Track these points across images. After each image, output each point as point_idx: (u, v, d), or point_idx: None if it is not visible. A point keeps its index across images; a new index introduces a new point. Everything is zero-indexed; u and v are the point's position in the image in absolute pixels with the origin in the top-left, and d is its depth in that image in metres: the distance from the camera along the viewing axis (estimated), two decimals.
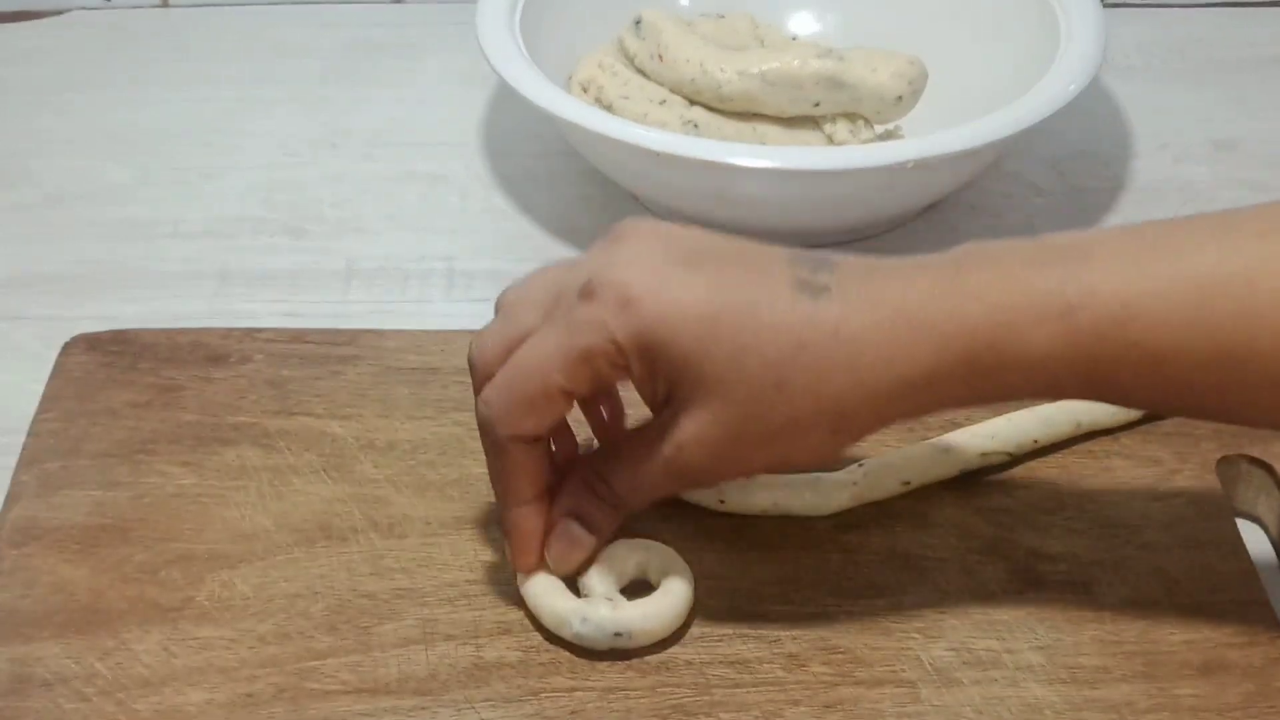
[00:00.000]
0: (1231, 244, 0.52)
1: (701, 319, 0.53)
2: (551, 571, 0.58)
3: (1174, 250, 0.53)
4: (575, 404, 0.57)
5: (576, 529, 0.58)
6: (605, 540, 0.58)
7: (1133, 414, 0.64)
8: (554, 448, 0.59)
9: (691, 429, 0.54)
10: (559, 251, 0.79)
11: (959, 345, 0.52)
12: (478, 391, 0.57)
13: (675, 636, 0.57)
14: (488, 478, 0.63)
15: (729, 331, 0.53)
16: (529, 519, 0.57)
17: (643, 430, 0.56)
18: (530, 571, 0.58)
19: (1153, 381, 0.53)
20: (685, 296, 0.53)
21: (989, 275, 0.53)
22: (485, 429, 0.56)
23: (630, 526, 0.60)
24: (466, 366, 0.67)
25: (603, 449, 0.60)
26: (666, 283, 0.53)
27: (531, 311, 0.55)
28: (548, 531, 0.58)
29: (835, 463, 0.60)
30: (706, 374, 0.53)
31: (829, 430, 0.54)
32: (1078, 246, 0.53)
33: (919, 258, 0.55)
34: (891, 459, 0.62)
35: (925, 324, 0.53)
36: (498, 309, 0.57)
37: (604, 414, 0.60)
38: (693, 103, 0.79)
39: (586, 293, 0.53)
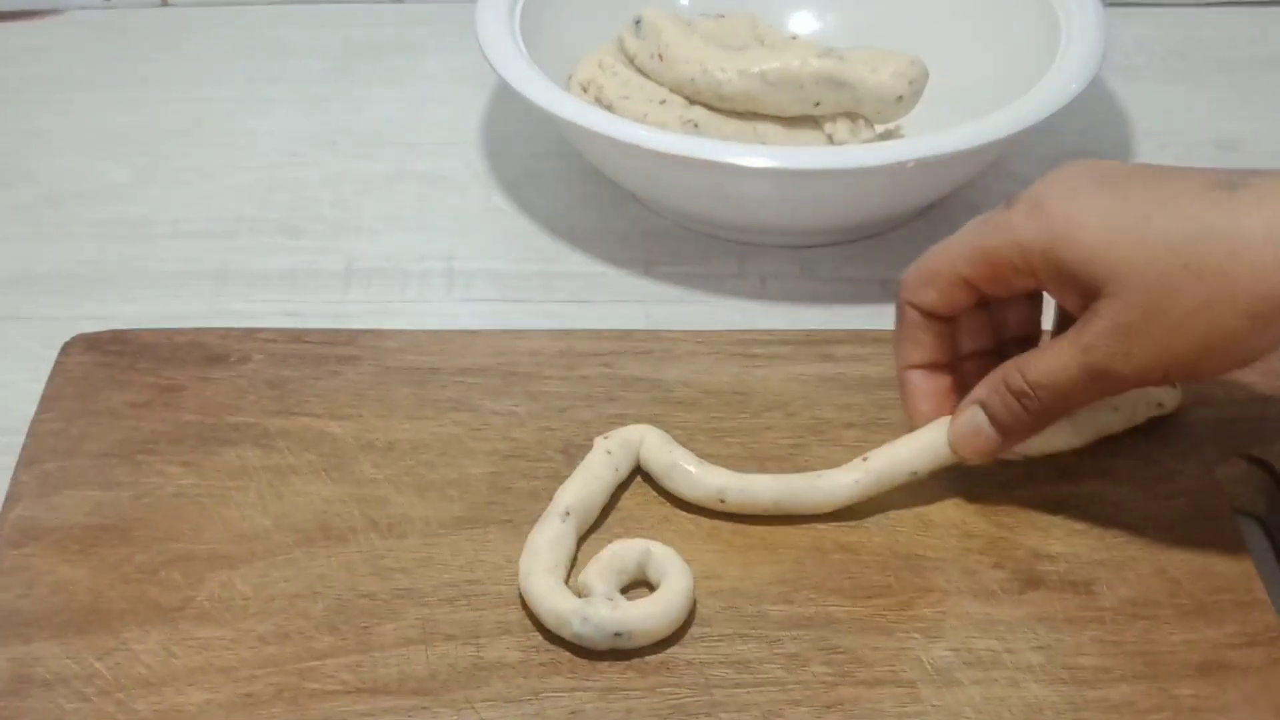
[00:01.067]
0: None
1: (1107, 214, 0.55)
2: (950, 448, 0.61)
3: None
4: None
5: (980, 416, 0.60)
6: (1012, 440, 0.60)
7: (1138, 418, 0.64)
8: None
9: (1104, 318, 0.55)
10: (559, 251, 0.79)
11: None
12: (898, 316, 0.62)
13: (675, 636, 0.57)
14: (487, 478, 0.63)
15: (1134, 220, 0.55)
16: (911, 380, 0.62)
17: (1063, 329, 0.59)
18: (916, 424, 0.62)
19: None
20: (1090, 200, 0.56)
21: None
22: (897, 294, 0.61)
23: (630, 527, 0.60)
24: (466, 366, 0.67)
25: (1027, 351, 0.61)
26: (1077, 193, 0.56)
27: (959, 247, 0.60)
28: (939, 397, 0.62)
29: (1252, 358, 0.56)
30: (1113, 262, 0.55)
31: (1245, 314, 0.54)
32: None
33: None
34: (897, 450, 0.62)
35: None
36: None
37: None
38: (693, 102, 0.79)
39: (1007, 203, 0.58)
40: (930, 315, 0.61)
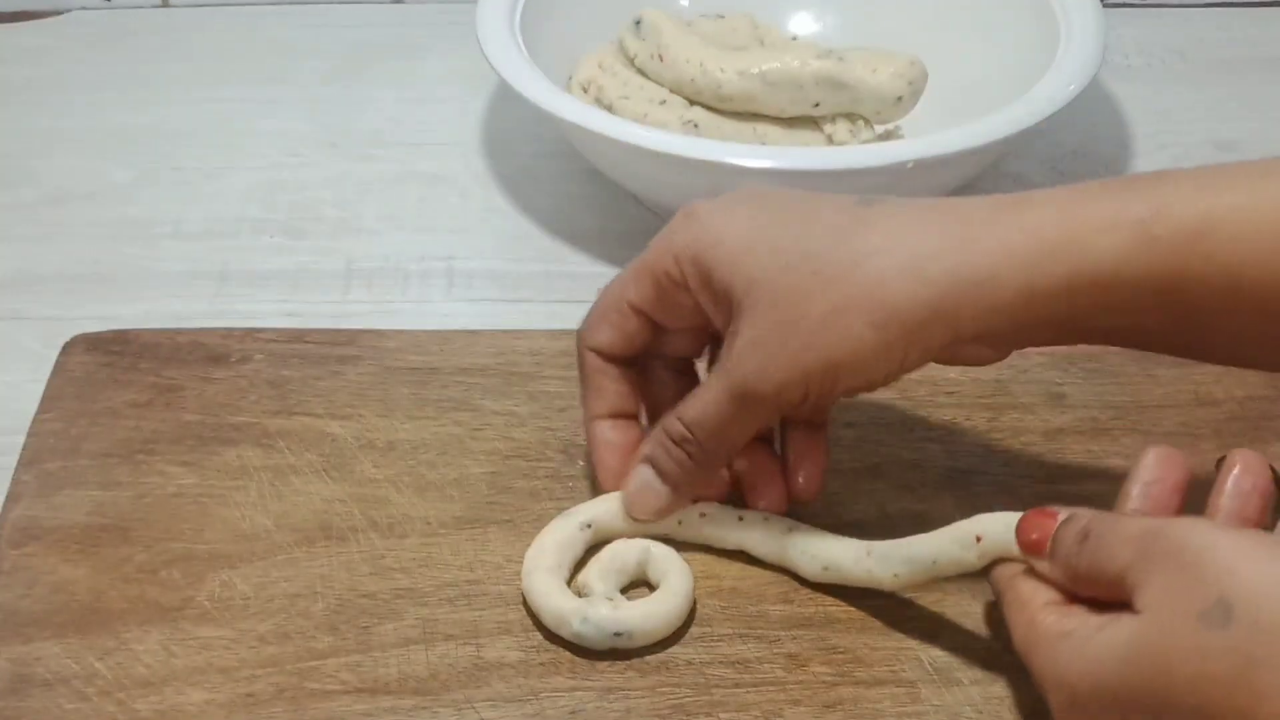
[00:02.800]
0: None
1: (748, 220, 0.55)
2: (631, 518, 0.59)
3: (1252, 175, 0.51)
4: None
5: (648, 473, 0.58)
6: (683, 492, 0.58)
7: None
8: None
9: (741, 337, 0.54)
10: (559, 251, 0.79)
11: (1022, 249, 0.51)
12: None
13: (675, 636, 0.57)
14: (488, 478, 0.63)
15: (772, 230, 0.54)
16: (599, 431, 0.59)
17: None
18: (604, 490, 0.60)
19: (1230, 301, 0.51)
20: (738, 211, 0.56)
21: (1059, 193, 0.53)
22: (577, 346, 0.60)
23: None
24: (466, 366, 0.67)
25: (658, 429, 0.59)
26: (732, 206, 0.56)
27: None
28: (624, 449, 0.59)
29: (886, 374, 0.55)
30: (749, 270, 0.54)
31: (869, 323, 0.52)
32: (1152, 175, 0.53)
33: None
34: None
35: (985, 223, 0.52)
36: None
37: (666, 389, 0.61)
38: (693, 103, 0.79)
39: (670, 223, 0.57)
40: (611, 359, 0.59)
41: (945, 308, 0.52)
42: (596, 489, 0.61)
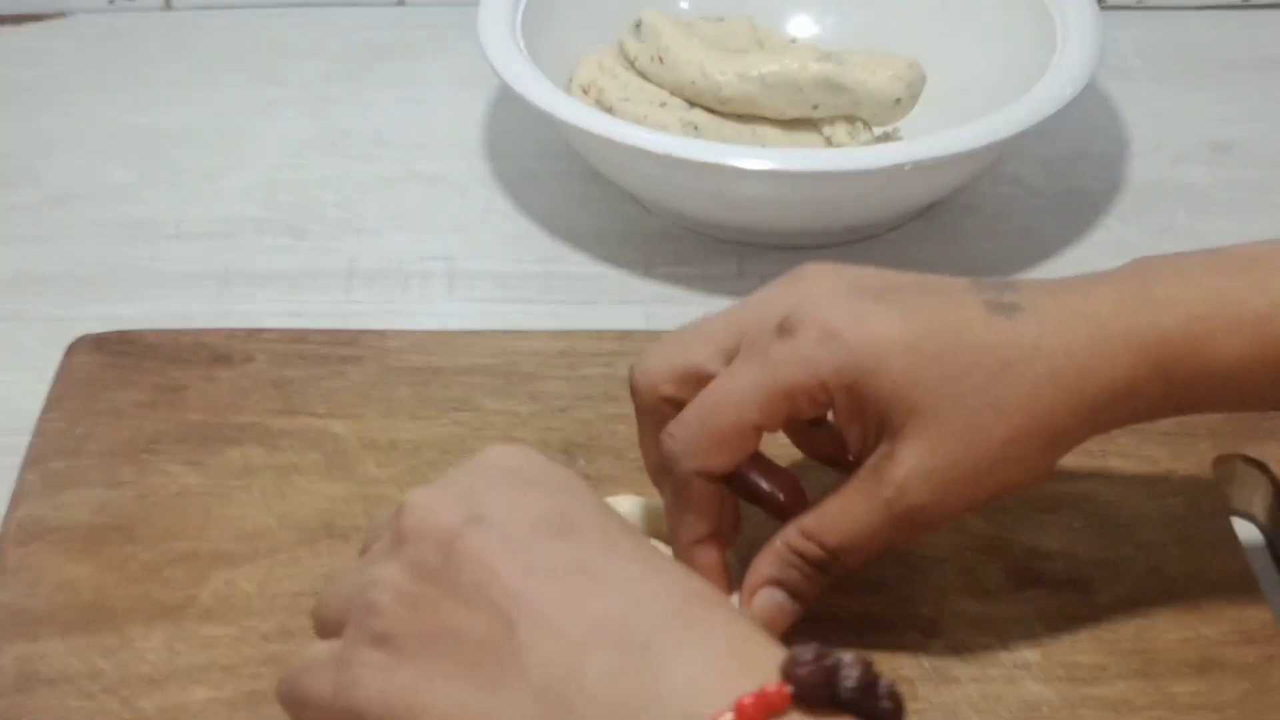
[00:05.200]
0: None
1: (907, 346, 0.51)
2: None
3: None
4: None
5: (780, 596, 0.54)
6: (812, 604, 0.55)
7: None
8: (779, 491, 0.57)
9: (912, 462, 0.52)
10: (560, 252, 0.79)
11: (1155, 355, 0.52)
12: (643, 418, 0.55)
13: None
14: None
15: (935, 356, 0.51)
16: (705, 555, 0.55)
17: (855, 478, 0.53)
18: None
19: None
20: (886, 327, 0.52)
21: (1178, 285, 0.53)
22: (671, 463, 0.54)
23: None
24: (468, 366, 0.67)
25: (806, 510, 0.55)
26: (864, 315, 0.52)
27: (705, 345, 0.54)
28: (723, 566, 0.55)
29: (1045, 476, 0.55)
30: (919, 401, 0.51)
31: (1045, 446, 0.53)
32: (1266, 257, 0.53)
33: (1097, 273, 0.54)
34: None
35: (1121, 334, 0.52)
36: (660, 345, 0.56)
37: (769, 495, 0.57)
38: (693, 105, 0.80)
39: (786, 329, 0.52)
40: (715, 478, 0.54)
41: (1100, 420, 0.53)
42: (593, 489, 0.61)
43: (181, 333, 0.70)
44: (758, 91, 0.78)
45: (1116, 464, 0.64)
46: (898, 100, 0.78)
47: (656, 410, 0.55)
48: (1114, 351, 0.52)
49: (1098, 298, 0.53)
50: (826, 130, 0.79)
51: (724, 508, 0.55)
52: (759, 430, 0.53)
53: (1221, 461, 0.64)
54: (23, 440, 0.65)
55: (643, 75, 0.81)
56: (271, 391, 0.67)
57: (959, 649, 0.57)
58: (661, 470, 0.55)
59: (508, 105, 0.88)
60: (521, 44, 0.79)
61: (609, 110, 0.79)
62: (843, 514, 0.53)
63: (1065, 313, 0.53)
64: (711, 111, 0.79)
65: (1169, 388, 0.53)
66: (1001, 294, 0.53)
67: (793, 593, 0.54)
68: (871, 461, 0.53)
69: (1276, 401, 0.54)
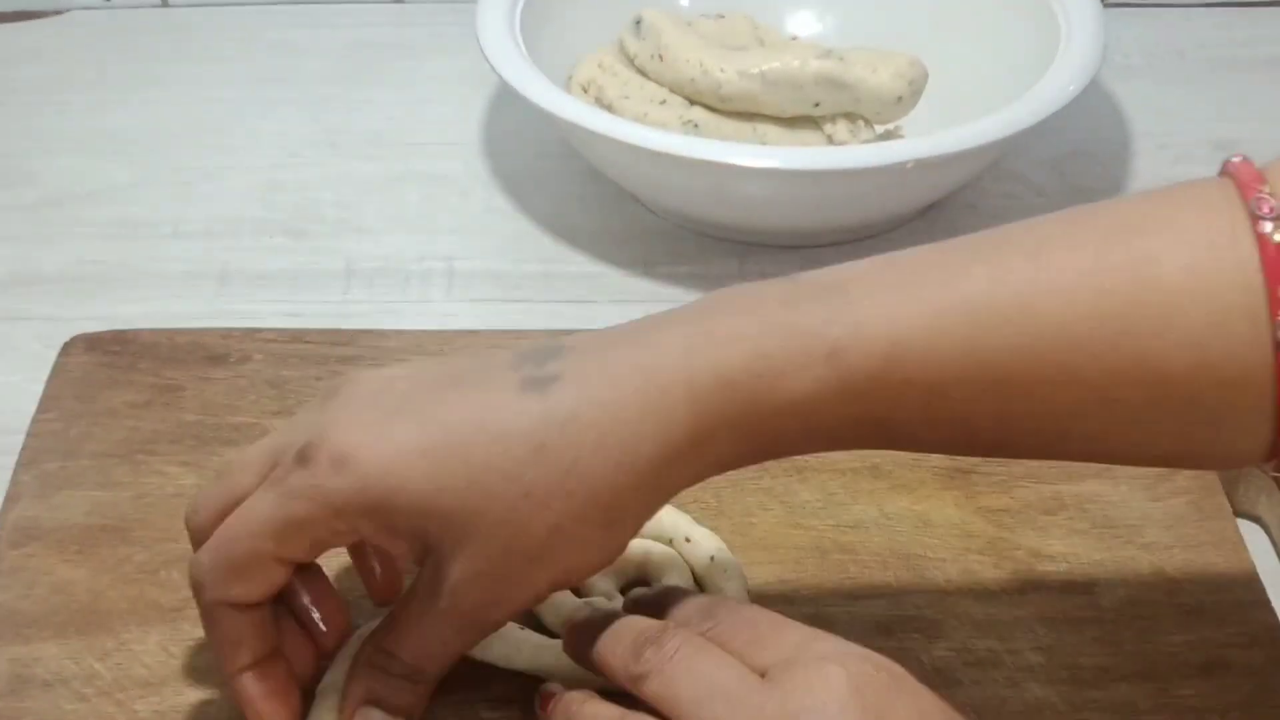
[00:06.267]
0: (1002, 265, 0.48)
1: (425, 454, 0.48)
2: None
3: (942, 278, 0.48)
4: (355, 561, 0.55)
5: (377, 715, 0.52)
6: (417, 713, 0.53)
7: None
8: (320, 621, 0.54)
9: (457, 570, 0.49)
10: (559, 252, 0.79)
11: (717, 401, 0.48)
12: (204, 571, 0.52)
13: None
14: None
15: (459, 458, 0.48)
16: (250, 685, 0.52)
17: (412, 590, 0.52)
18: None
19: (931, 417, 0.49)
20: (404, 440, 0.49)
21: (743, 320, 0.49)
22: (196, 592, 0.52)
23: None
24: None
25: (383, 622, 0.53)
26: (382, 433, 0.49)
27: (248, 474, 0.51)
28: (283, 693, 0.53)
29: (618, 550, 0.51)
30: (450, 509, 0.48)
31: (600, 525, 0.49)
32: (838, 282, 0.49)
33: (665, 313, 0.50)
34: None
35: (675, 384, 0.48)
36: (217, 474, 0.53)
37: (377, 574, 0.56)
38: (693, 103, 0.79)
39: (301, 458, 0.49)
40: (247, 607, 0.51)
41: (667, 483, 0.50)
42: None
43: (177, 332, 0.70)
44: (758, 89, 0.78)
45: (1118, 464, 0.64)
46: (899, 98, 0.78)
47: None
48: (668, 406, 0.48)
49: (655, 346, 0.49)
50: (828, 128, 0.79)
51: (262, 631, 0.52)
52: (282, 562, 0.51)
53: None
54: (17, 440, 0.65)
55: (642, 73, 0.81)
56: (269, 392, 0.67)
57: (961, 651, 0.57)
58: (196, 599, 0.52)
59: (507, 104, 0.87)
60: (521, 43, 0.79)
61: (609, 109, 0.79)
62: (413, 627, 0.51)
63: (611, 374, 0.49)
64: (712, 109, 0.79)
65: (741, 434, 0.49)
66: (542, 365, 0.49)
67: (390, 708, 0.52)
68: (424, 574, 0.51)
69: (858, 439, 0.50)
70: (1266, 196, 0.47)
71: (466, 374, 0.50)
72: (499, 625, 0.52)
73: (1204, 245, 0.47)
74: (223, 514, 0.51)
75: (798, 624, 0.50)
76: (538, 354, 0.50)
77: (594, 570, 0.52)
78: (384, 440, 0.49)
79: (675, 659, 0.49)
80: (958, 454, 0.53)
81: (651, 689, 0.49)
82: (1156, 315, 0.47)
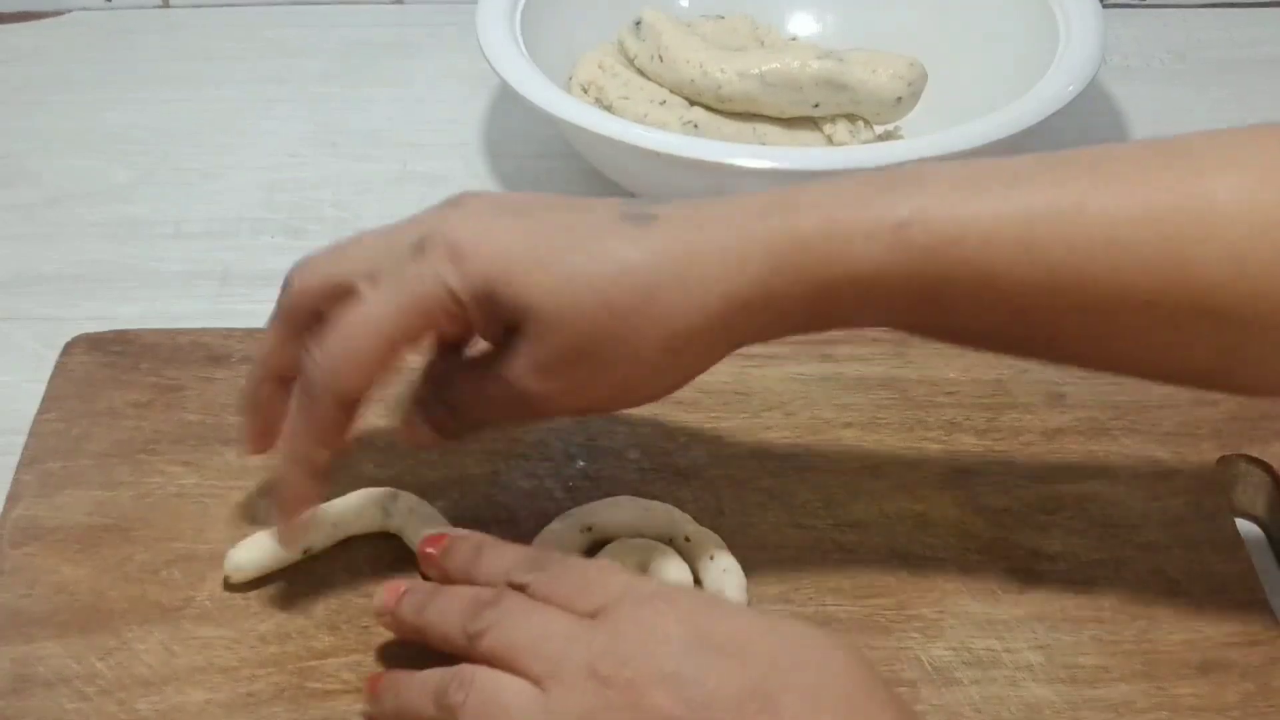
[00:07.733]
0: (1063, 172, 0.53)
1: (528, 251, 0.53)
2: None
3: (1007, 179, 0.52)
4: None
5: (425, 429, 0.57)
6: (448, 438, 0.58)
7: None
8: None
9: (527, 357, 0.54)
10: None
11: (792, 259, 0.52)
12: (283, 316, 0.57)
13: None
14: (487, 477, 0.63)
15: (555, 261, 0.53)
16: (307, 469, 0.56)
17: (483, 357, 0.56)
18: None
19: (984, 304, 0.52)
20: (511, 238, 0.53)
21: (821, 194, 0.53)
22: (308, 385, 0.55)
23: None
24: None
25: (434, 378, 0.58)
26: (493, 229, 0.54)
27: (362, 255, 0.56)
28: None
29: (671, 387, 0.56)
30: (537, 303, 0.53)
31: (664, 350, 0.53)
32: (913, 173, 0.53)
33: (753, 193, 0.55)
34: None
35: (755, 238, 0.52)
36: (328, 247, 0.58)
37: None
38: (693, 103, 0.79)
39: (417, 250, 0.54)
40: (355, 402, 0.55)
41: (736, 328, 0.54)
42: (593, 489, 0.61)
43: (179, 332, 0.70)
44: (758, 90, 0.78)
45: (1119, 464, 0.64)
46: (899, 99, 0.78)
47: (299, 314, 0.57)
48: (747, 255, 0.52)
49: (741, 206, 0.53)
50: (827, 129, 0.79)
51: (352, 424, 0.56)
52: (396, 349, 0.54)
53: (1224, 462, 0.64)
54: (18, 440, 0.65)
55: (642, 73, 0.81)
56: None
57: (961, 651, 0.57)
58: (272, 375, 0.57)
59: (507, 104, 0.88)
60: (521, 42, 0.79)
61: (608, 109, 0.79)
62: (469, 383, 0.56)
63: (699, 220, 0.53)
64: (711, 110, 0.79)
65: (809, 297, 0.52)
66: (645, 207, 0.54)
67: (438, 427, 0.57)
68: (500, 351, 0.55)
69: (911, 315, 0.54)
70: None
71: (577, 201, 0.56)
72: (550, 416, 0.58)
73: (1255, 168, 0.51)
74: (326, 281, 0.56)
75: (623, 569, 0.55)
76: (641, 202, 0.55)
77: (642, 400, 0.56)
78: (494, 235, 0.54)
79: (512, 612, 0.52)
80: (1003, 351, 0.57)
81: (487, 643, 0.51)
82: (1200, 224, 0.51)
